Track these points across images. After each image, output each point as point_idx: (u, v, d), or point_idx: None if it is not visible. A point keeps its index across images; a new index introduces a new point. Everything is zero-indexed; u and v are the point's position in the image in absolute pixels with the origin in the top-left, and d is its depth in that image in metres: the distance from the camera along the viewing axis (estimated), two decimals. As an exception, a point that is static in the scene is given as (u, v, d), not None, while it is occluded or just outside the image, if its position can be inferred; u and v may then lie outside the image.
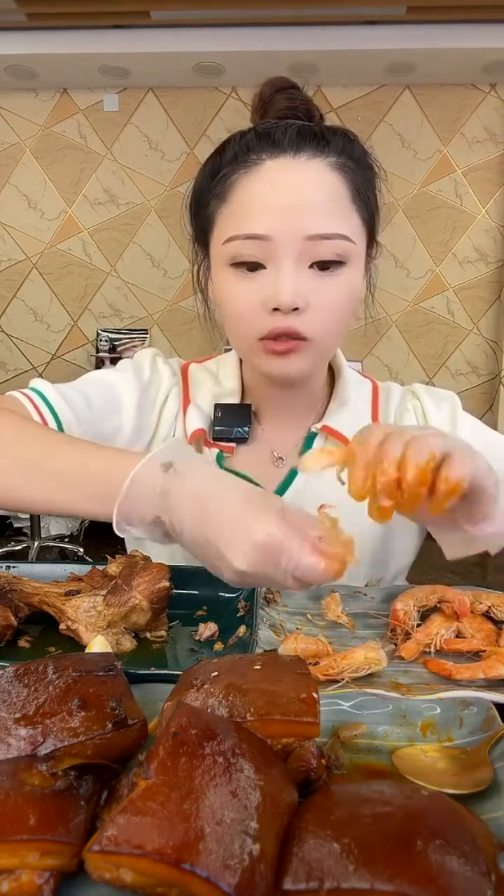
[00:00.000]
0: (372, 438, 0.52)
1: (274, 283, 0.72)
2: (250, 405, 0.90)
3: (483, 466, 0.52)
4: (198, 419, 0.88)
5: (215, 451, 0.88)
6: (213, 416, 0.89)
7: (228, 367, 0.92)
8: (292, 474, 0.87)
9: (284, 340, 0.74)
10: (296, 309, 0.72)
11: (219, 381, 0.92)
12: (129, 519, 0.55)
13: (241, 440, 0.88)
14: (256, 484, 0.83)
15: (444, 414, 0.90)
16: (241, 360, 0.92)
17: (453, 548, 0.63)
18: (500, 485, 0.55)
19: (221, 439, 0.88)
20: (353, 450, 0.52)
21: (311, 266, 0.73)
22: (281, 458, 0.89)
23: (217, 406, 0.89)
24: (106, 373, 0.88)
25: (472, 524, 0.56)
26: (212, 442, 0.88)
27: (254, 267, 0.73)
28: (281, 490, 0.87)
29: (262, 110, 0.80)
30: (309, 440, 0.88)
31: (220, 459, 0.87)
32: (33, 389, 0.80)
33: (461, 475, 0.48)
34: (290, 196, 0.71)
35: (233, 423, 0.88)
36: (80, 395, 0.82)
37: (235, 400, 0.90)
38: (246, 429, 0.88)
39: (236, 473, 0.83)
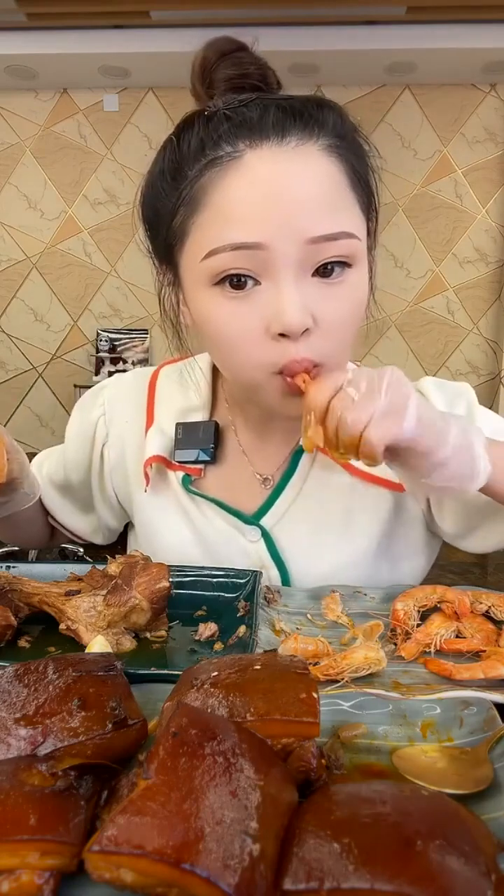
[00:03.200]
0: (322, 394, 0.55)
1: (275, 301, 0.60)
2: (215, 423, 0.81)
3: (411, 426, 0.54)
4: (156, 443, 0.80)
5: (181, 474, 0.81)
6: (174, 437, 0.81)
7: (199, 374, 0.82)
8: (274, 496, 0.80)
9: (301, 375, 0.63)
10: (305, 330, 0.61)
11: (186, 393, 0.84)
12: None
13: (206, 462, 0.81)
14: (226, 508, 0.79)
15: (459, 413, 0.80)
16: (215, 367, 0.83)
17: (418, 491, 0.72)
18: (450, 430, 0.57)
19: (185, 462, 0.80)
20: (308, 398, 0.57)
21: (313, 274, 0.61)
22: (267, 478, 0.81)
23: (178, 425, 0.81)
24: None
25: (423, 476, 0.58)
26: (176, 464, 0.81)
27: (242, 284, 0.61)
28: (261, 513, 0.80)
29: (205, 81, 0.66)
30: (296, 456, 0.80)
31: (186, 483, 0.80)
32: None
33: (376, 442, 0.52)
34: (282, 192, 0.59)
35: (195, 444, 0.80)
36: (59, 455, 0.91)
37: (204, 415, 0.81)
38: (210, 450, 0.80)
39: (204, 497, 0.79)
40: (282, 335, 0.61)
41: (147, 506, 0.84)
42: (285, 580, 0.80)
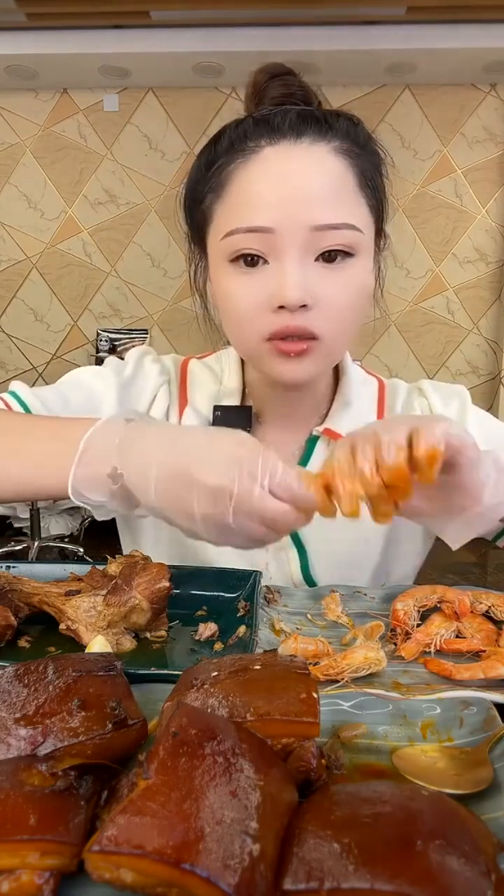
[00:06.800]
0: (341, 455, 0.53)
1: (278, 278, 0.68)
2: (251, 407, 0.86)
3: (455, 430, 0.53)
4: (194, 423, 0.84)
5: None
6: (211, 419, 0.84)
7: (230, 364, 0.89)
8: None
9: (295, 341, 0.70)
10: (303, 306, 0.68)
11: (219, 380, 0.89)
12: (87, 479, 0.55)
13: None
14: None
15: (452, 412, 0.87)
16: (242, 359, 0.89)
17: (456, 534, 0.62)
18: (487, 458, 0.57)
19: None
20: (328, 473, 0.53)
21: (316, 259, 0.69)
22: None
23: (216, 408, 0.85)
24: (84, 371, 0.86)
25: (473, 496, 0.57)
26: None
27: (254, 262, 0.69)
28: None
29: (256, 98, 0.76)
30: (311, 444, 0.85)
31: None
32: (10, 393, 0.80)
33: (433, 442, 0.50)
34: (293, 184, 0.67)
35: (232, 426, 0.83)
36: (57, 396, 0.81)
37: (236, 400, 0.86)
38: (247, 432, 0.82)
39: None
40: (281, 308, 0.68)
41: None
42: (303, 560, 0.83)
